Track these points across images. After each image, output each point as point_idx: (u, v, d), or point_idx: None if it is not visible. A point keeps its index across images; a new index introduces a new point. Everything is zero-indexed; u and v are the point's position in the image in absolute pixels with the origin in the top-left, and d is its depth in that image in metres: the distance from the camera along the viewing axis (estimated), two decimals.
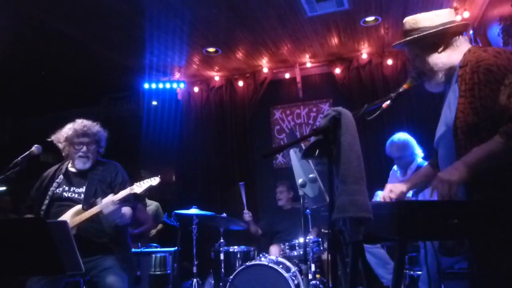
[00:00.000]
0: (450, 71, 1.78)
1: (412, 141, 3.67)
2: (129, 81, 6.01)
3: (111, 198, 2.56)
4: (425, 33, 1.78)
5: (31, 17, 4.20)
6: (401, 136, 3.71)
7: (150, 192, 5.55)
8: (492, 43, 4.05)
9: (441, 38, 1.78)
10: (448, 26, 1.78)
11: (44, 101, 6.43)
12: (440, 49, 1.79)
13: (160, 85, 5.99)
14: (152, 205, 5.40)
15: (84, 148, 2.79)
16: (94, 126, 2.89)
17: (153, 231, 5.16)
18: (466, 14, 4.39)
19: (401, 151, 3.62)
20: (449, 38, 1.79)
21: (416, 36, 1.80)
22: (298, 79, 5.68)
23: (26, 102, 6.46)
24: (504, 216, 1.38)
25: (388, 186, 1.95)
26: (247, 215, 4.49)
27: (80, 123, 2.85)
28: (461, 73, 1.65)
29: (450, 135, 1.65)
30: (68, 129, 2.83)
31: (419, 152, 3.67)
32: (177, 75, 5.98)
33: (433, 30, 1.77)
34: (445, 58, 1.78)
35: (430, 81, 1.85)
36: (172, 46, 5.04)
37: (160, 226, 5.27)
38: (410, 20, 1.86)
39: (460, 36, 1.80)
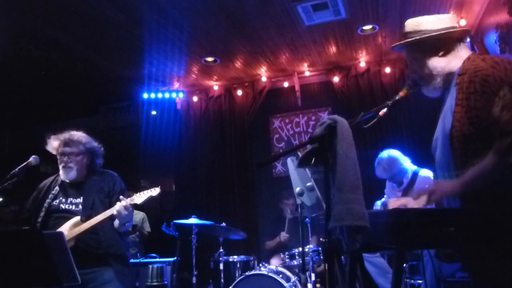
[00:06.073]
0: (448, 77, 1.75)
1: (398, 156, 3.58)
2: (128, 91, 6.04)
3: (123, 203, 2.55)
4: (427, 35, 1.75)
5: (30, 28, 4.23)
6: (385, 154, 3.62)
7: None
8: (489, 51, 4.06)
9: (443, 42, 1.76)
10: (450, 30, 1.75)
11: (43, 111, 6.46)
12: (441, 53, 1.76)
13: (159, 95, 6.03)
14: (139, 214, 5.35)
15: (65, 158, 2.71)
16: (79, 136, 2.79)
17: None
18: (463, 22, 4.40)
19: (390, 170, 3.55)
20: (451, 43, 1.76)
21: (418, 38, 1.77)
22: (297, 87, 5.71)
23: (25, 112, 6.48)
24: (500, 225, 1.37)
25: (403, 201, 1.84)
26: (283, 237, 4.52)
27: (66, 133, 2.78)
28: (459, 81, 1.63)
29: (447, 142, 1.64)
30: (56, 139, 2.78)
31: (408, 164, 3.58)
32: (176, 85, 6.00)
33: (435, 33, 1.74)
34: (444, 63, 1.75)
35: (428, 86, 1.82)
36: (171, 56, 5.06)
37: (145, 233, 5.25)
38: (412, 22, 1.82)
39: (461, 43, 1.77)
